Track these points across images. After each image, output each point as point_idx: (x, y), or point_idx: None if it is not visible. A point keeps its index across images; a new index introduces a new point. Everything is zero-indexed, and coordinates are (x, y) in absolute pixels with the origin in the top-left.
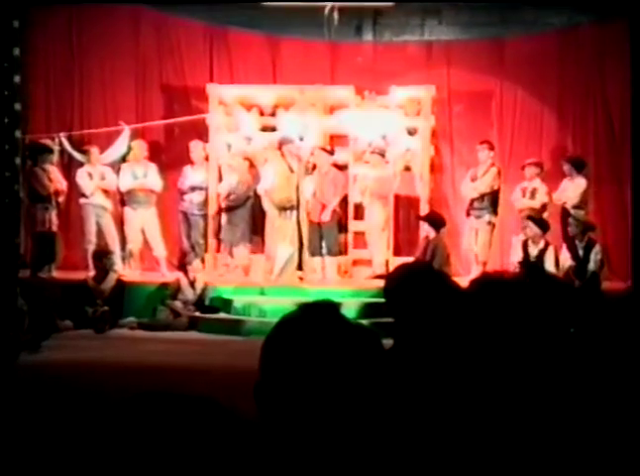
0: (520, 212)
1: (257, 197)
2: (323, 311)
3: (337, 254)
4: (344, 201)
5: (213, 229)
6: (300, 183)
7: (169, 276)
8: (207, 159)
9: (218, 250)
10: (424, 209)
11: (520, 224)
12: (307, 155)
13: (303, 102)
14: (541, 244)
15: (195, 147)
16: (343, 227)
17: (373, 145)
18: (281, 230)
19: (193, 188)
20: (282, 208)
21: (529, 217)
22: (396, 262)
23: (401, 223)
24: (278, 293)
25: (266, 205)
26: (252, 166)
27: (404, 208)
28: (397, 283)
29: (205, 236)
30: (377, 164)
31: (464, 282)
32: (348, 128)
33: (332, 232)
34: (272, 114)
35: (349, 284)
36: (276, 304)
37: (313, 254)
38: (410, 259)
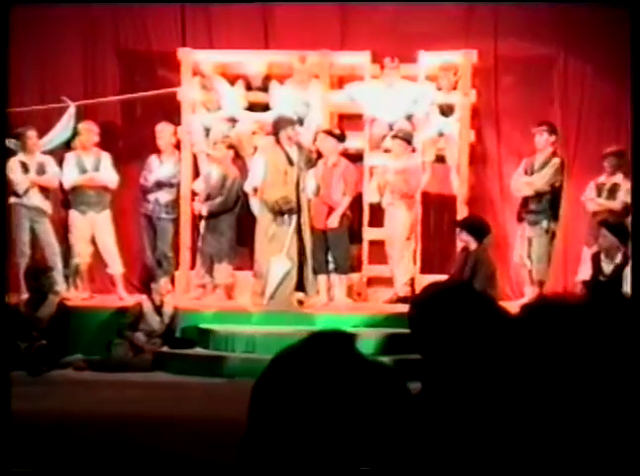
0: (594, 216)
1: (244, 197)
2: (332, 345)
3: (348, 270)
4: (357, 202)
5: (186, 238)
6: (301, 179)
7: (128, 299)
8: (178, 146)
9: (193, 266)
10: (462, 212)
11: (592, 232)
12: (309, 141)
13: (304, 73)
14: (618, 258)
15: (163, 131)
16: (356, 236)
17: (395, 128)
18: (276, 240)
19: (160, 185)
20: (277, 211)
21: (604, 222)
22: (425, 281)
23: (432, 230)
24: (272, 320)
25: (256, 208)
26: (237, 156)
27: (436, 211)
28: (426, 308)
29: (176, 247)
30: (401, 152)
31: (514, 307)
32: (362, 106)
33: (341, 242)
34: (264, 88)
35: (363, 309)
36: (269, 336)
37: (317, 270)
38: (443, 277)
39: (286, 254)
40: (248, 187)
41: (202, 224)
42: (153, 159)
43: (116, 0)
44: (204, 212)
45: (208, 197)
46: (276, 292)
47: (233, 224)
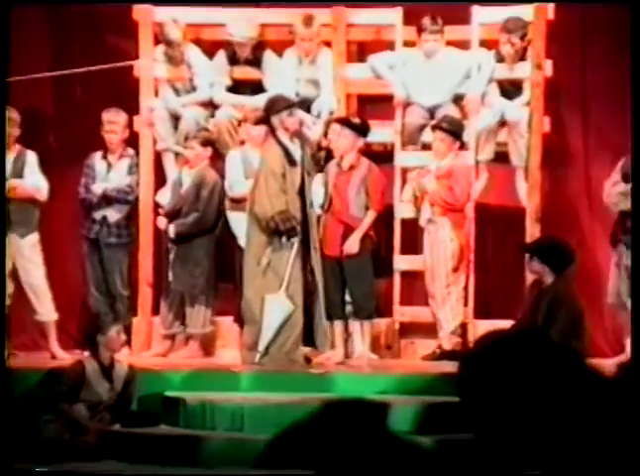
0: None
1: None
2: (354, 419)
3: (373, 315)
4: (384, 219)
5: (147, 271)
6: (306, 186)
7: (64, 358)
8: (135, 143)
9: (156, 309)
10: (532, 232)
11: None
12: (318, 134)
13: (310, 39)
14: None
15: (113, 121)
16: (383, 266)
17: (437, 115)
18: (272, 271)
19: (109, 198)
20: (273, 232)
21: None
22: (481, 329)
23: (490, 258)
24: (267, 385)
25: (243, 226)
26: (217, 155)
27: (495, 230)
28: (483, 368)
29: (132, 284)
30: (446, 150)
31: (609, 366)
32: (392, 85)
33: (363, 275)
34: (254, 61)
35: (395, 368)
36: (264, 407)
37: (330, 315)
38: (507, 323)
39: (287, 291)
40: (231, 195)
41: (170, 251)
42: (97, 160)
43: None
44: (172, 235)
45: (178, 214)
46: (274, 344)
47: (212, 251)
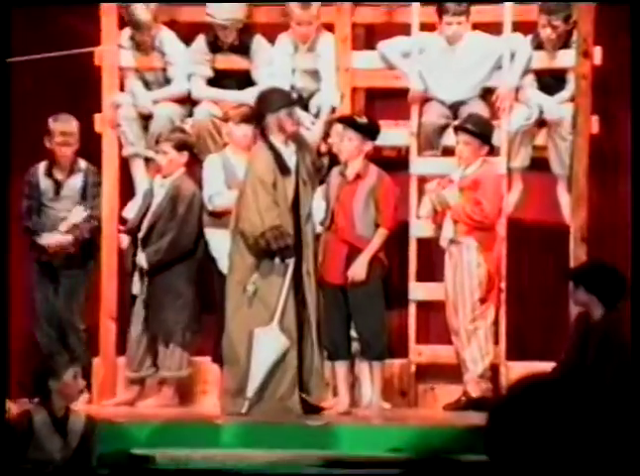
0: None
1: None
2: None
3: (384, 354)
4: (398, 239)
5: (111, 302)
6: (303, 199)
7: (10, 407)
8: (94, 148)
9: (120, 349)
10: (578, 255)
11: None
12: (317, 135)
13: (308, 22)
14: None
15: (65, 131)
16: (395, 295)
17: (462, 113)
18: (261, 301)
19: (55, 220)
20: (263, 253)
21: None
22: (515, 372)
23: (525, 285)
24: (256, 439)
25: (224, 246)
26: (195, 161)
27: (532, 253)
28: (517, 421)
29: (92, 317)
30: (471, 155)
31: None
32: (407, 77)
33: (372, 306)
34: (241, 48)
35: (411, 419)
36: (251, 466)
37: (333, 354)
38: (547, 365)
39: (279, 324)
40: (210, 207)
41: (140, 280)
42: (41, 178)
43: None
44: (145, 265)
45: (149, 234)
46: (264, 390)
47: (194, 278)
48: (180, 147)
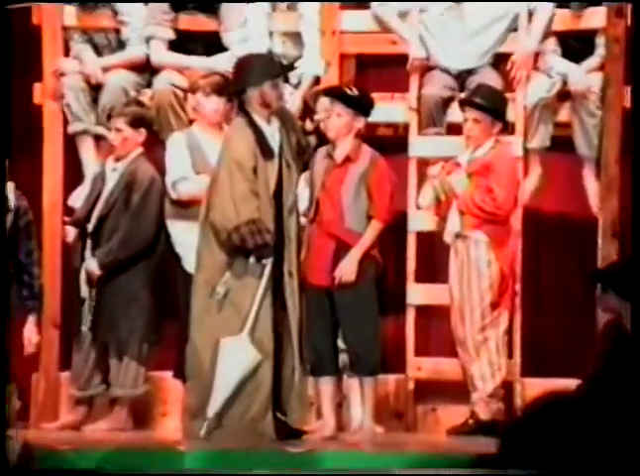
0: None
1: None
2: None
3: (375, 368)
4: (394, 233)
5: (54, 306)
6: (285, 186)
7: None
8: (36, 123)
9: (66, 362)
10: (607, 253)
11: None
12: (296, 108)
13: None
14: None
15: None
16: (391, 298)
17: (469, 84)
18: (232, 305)
19: None
20: (238, 248)
21: None
22: (532, 390)
23: (544, 288)
24: (225, 468)
25: (191, 241)
26: (154, 139)
27: (552, 249)
28: (533, 447)
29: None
30: (482, 134)
31: None
32: (405, 41)
33: (363, 311)
34: (207, 4)
35: (408, 445)
36: None
37: (317, 369)
38: (569, 383)
39: (252, 334)
40: (174, 195)
41: (88, 281)
42: None
43: None
44: (97, 271)
45: (100, 227)
46: (229, 410)
47: (152, 279)
48: (136, 123)
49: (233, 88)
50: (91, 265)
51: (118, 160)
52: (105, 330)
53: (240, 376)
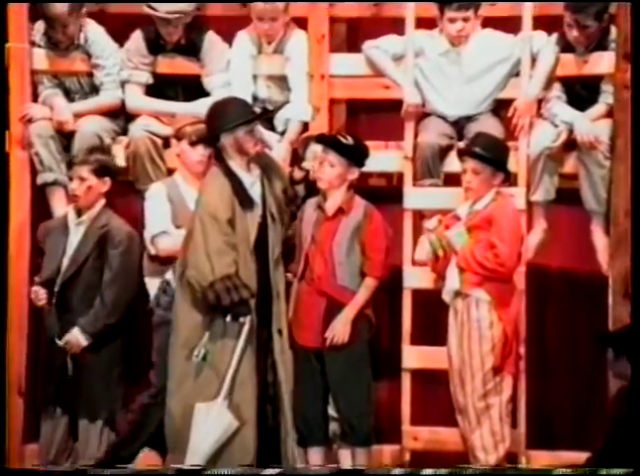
0: None
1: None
2: None
3: (369, 438)
4: (389, 292)
5: (19, 371)
6: (270, 242)
7: None
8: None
9: (32, 431)
10: (619, 314)
11: None
12: (282, 156)
13: (274, 16)
14: None
15: None
16: (385, 362)
17: (468, 132)
18: (212, 369)
19: None
20: (214, 307)
21: None
22: (539, 463)
23: (551, 352)
24: None
25: (170, 299)
26: (133, 190)
27: (559, 310)
28: None
29: None
30: (482, 185)
31: None
32: (400, 87)
33: (355, 375)
34: (188, 46)
35: None
36: None
37: (306, 438)
38: (578, 456)
39: (228, 398)
40: (149, 248)
41: (65, 352)
42: None
43: None
44: (78, 336)
45: (68, 289)
46: None
47: (120, 351)
48: (101, 171)
49: (206, 135)
50: (76, 335)
51: (80, 211)
52: (81, 402)
53: (215, 442)
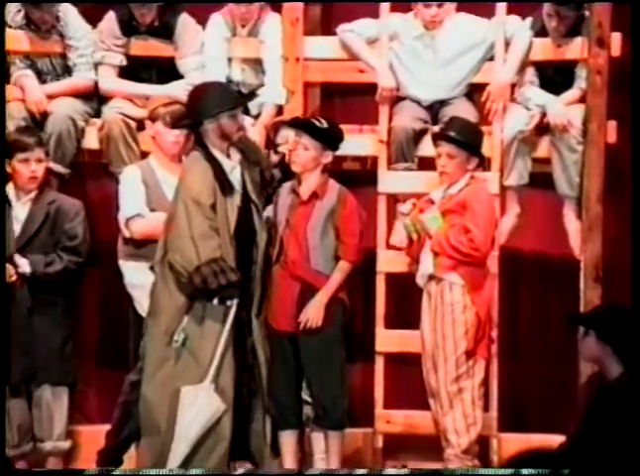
0: None
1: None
2: None
3: (342, 422)
4: (363, 275)
5: None
6: (256, 222)
7: None
8: None
9: None
10: (590, 297)
11: None
12: (263, 143)
13: None
14: None
15: None
16: (359, 345)
17: (443, 116)
18: (191, 354)
19: None
20: (200, 290)
21: None
22: (510, 447)
23: (523, 335)
24: None
25: (145, 283)
26: (106, 173)
27: (532, 293)
28: None
29: None
30: (456, 169)
31: None
32: (374, 70)
33: (329, 359)
34: (161, 28)
35: None
36: None
37: (279, 421)
38: (550, 439)
39: (214, 383)
40: (123, 230)
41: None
42: None
43: None
44: (26, 268)
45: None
46: (188, 465)
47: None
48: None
49: (188, 121)
50: (23, 267)
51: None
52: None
53: (202, 427)
